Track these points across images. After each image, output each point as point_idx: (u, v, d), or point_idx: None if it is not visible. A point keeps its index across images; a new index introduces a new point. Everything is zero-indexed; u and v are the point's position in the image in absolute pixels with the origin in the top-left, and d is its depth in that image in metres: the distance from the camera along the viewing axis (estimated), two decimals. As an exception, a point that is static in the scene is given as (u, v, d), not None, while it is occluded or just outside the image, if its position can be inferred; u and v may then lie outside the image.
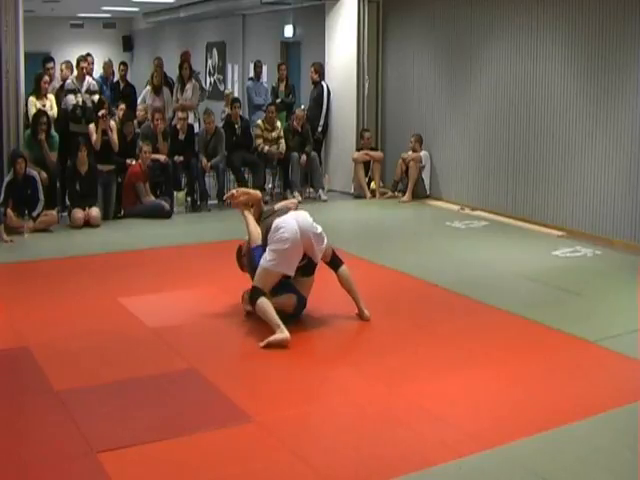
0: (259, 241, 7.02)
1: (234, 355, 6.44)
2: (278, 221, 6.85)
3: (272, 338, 6.43)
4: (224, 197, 7.89)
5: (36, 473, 4.54)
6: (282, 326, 6.49)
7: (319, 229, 6.97)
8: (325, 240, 7.01)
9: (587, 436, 4.97)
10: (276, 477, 4.52)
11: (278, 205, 7.42)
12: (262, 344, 6.41)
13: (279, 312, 6.66)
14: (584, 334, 6.74)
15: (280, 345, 6.39)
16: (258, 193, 7.67)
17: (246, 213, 7.38)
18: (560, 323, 7.01)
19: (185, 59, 14.23)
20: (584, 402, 5.49)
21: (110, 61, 15.65)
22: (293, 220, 6.85)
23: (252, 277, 6.99)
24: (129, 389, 5.70)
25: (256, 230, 7.14)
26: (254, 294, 6.73)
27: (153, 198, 11.82)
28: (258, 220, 7.29)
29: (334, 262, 7.16)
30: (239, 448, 4.83)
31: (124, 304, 7.60)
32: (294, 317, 6.94)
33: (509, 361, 6.22)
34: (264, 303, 6.63)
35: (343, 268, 7.17)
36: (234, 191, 7.72)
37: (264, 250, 6.83)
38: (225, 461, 4.66)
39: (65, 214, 11.34)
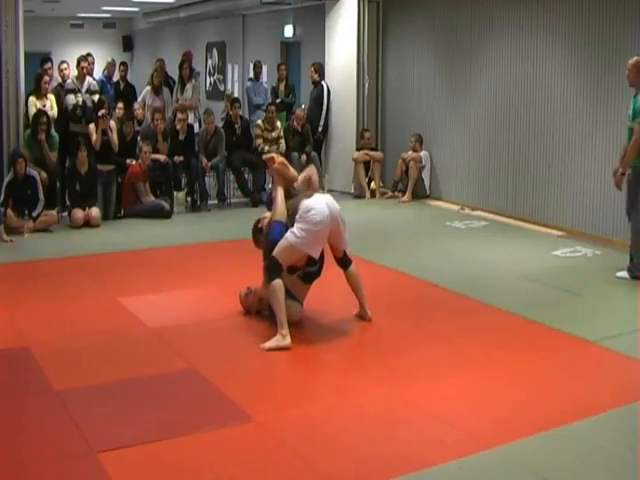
0: (283, 218, 6.83)
1: (234, 355, 6.42)
2: (308, 202, 6.71)
3: (274, 344, 6.40)
4: (265, 156, 7.44)
5: (36, 473, 4.54)
6: (286, 329, 6.44)
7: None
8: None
9: (587, 436, 4.97)
10: (276, 477, 4.51)
11: (302, 175, 7.23)
12: (264, 347, 6.40)
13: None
14: (584, 334, 6.75)
15: (281, 350, 6.39)
16: (295, 174, 7.28)
17: (279, 185, 7.06)
18: (560, 323, 7.01)
19: (186, 59, 14.25)
20: (584, 402, 5.49)
21: (113, 61, 15.63)
22: (324, 204, 6.75)
23: (265, 252, 6.86)
24: (129, 389, 5.70)
25: (283, 205, 6.90)
26: (273, 269, 6.58)
27: (153, 198, 11.83)
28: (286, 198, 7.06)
29: (344, 260, 7.11)
30: (239, 448, 4.83)
31: (124, 304, 7.60)
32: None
33: (509, 361, 6.21)
34: (279, 288, 6.51)
35: (352, 267, 7.13)
36: (275, 155, 7.31)
37: (285, 228, 6.69)
38: (225, 461, 4.66)
39: (65, 214, 11.35)
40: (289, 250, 6.59)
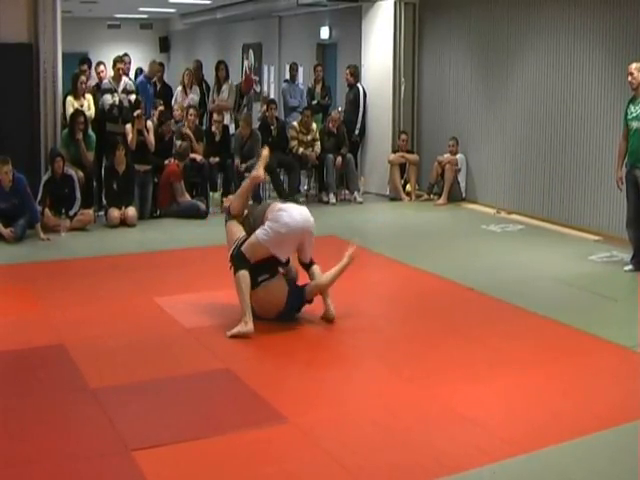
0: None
1: (269, 356, 6.44)
2: (280, 205, 7.05)
3: (236, 331, 6.63)
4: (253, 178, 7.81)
5: (71, 470, 4.57)
6: (249, 316, 6.66)
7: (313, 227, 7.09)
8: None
9: (622, 443, 4.92)
10: (310, 478, 4.52)
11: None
12: (228, 334, 6.61)
13: (257, 313, 6.83)
14: (620, 340, 6.68)
15: (244, 336, 6.60)
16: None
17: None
18: (596, 328, 6.96)
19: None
20: (620, 408, 5.44)
21: (155, 62, 15.55)
22: (296, 211, 7.01)
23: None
24: (164, 388, 5.73)
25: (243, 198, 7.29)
26: (239, 261, 6.85)
27: (189, 198, 11.87)
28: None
29: (308, 264, 7.21)
30: (274, 448, 4.84)
31: (160, 303, 7.63)
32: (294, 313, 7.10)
33: (544, 366, 6.17)
34: (245, 278, 6.76)
35: (315, 266, 7.19)
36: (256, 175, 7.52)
37: None
38: (260, 461, 4.67)
39: (102, 213, 11.42)
40: (255, 246, 6.84)
